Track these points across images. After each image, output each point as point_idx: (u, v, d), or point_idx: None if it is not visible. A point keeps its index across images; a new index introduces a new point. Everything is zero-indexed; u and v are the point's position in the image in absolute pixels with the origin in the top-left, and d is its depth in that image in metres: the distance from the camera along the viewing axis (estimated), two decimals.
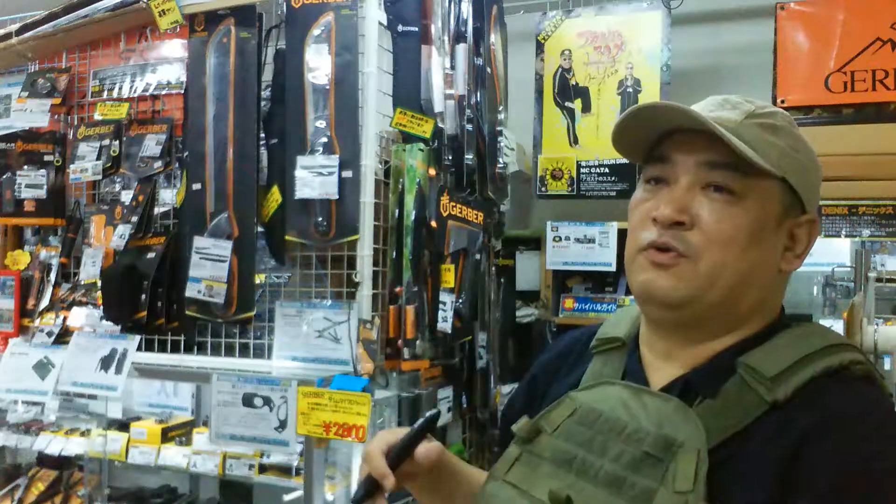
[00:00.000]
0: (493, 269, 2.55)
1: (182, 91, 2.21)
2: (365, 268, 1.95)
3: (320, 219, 1.96)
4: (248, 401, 1.93)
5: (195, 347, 2.16)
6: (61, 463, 2.69)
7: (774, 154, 0.87)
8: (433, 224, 2.07)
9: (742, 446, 0.81)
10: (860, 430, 0.78)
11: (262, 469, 2.31)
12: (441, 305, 2.08)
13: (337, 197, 1.94)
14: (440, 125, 2.13)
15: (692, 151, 0.89)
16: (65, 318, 2.30)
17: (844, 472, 0.76)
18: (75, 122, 2.42)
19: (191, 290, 2.05)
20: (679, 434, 0.82)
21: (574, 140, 2.81)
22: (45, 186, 2.39)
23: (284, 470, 2.28)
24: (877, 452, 0.77)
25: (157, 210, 2.25)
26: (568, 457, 0.88)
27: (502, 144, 2.45)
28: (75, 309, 2.29)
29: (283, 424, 1.89)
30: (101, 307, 2.18)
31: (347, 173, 1.94)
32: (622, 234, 2.62)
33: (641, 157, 0.96)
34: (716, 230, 0.86)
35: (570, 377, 1.03)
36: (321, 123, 1.98)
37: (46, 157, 2.40)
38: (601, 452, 0.86)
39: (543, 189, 2.83)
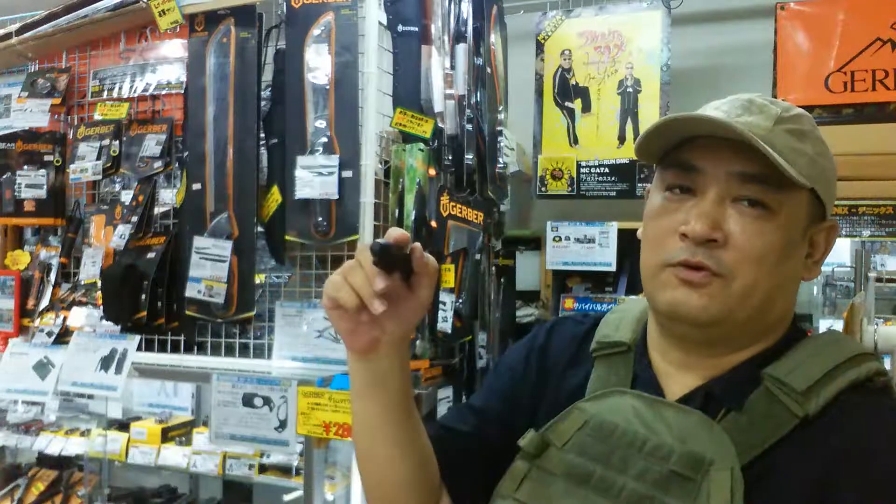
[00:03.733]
0: (493, 269, 2.55)
1: (182, 91, 2.21)
2: None
3: (320, 219, 1.96)
4: (248, 401, 1.93)
5: (195, 347, 2.16)
6: (61, 463, 2.69)
7: (804, 163, 0.83)
8: (433, 224, 2.07)
9: (774, 466, 0.78)
10: (891, 461, 0.75)
11: (262, 469, 2.31)
12: (441, 305, 2.08)
13: (337, 197, 1.94)
14: (440, 125, 2.13)
15: (722, 161, 0.83)
16: (65, 318, 2.30)
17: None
18: (75, 122, 2.42)
19: (191, 290, 2.05)
20: (707, 451, 0.78)
21: (574, 140, 2.80)
22: (45, 186, 2.39)
23: (284, 470, 2.29)
24: None
25: (157, 210, 2.25)
26: (584, 473, 0.84)
27: (502, 144, 2.45)
28: (75, 309, 2.29)
29: (283, 424, 1.89)
30: (101, 307, 2.18)
31: (347, 173, 1.94)
32: (622, 234, 2.62)
33: (656, 159, 0.91)
34: (749, 248, 0.81)
35: (569, 381, 0.98)
36: (321, 123, 1.98)
37: (46, 157, 2.40)
38: (621, 469, 0.82)
39: (543, 189, 2.83)
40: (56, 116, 2.43)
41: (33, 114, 2.37)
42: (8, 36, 2.42)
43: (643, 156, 0.91)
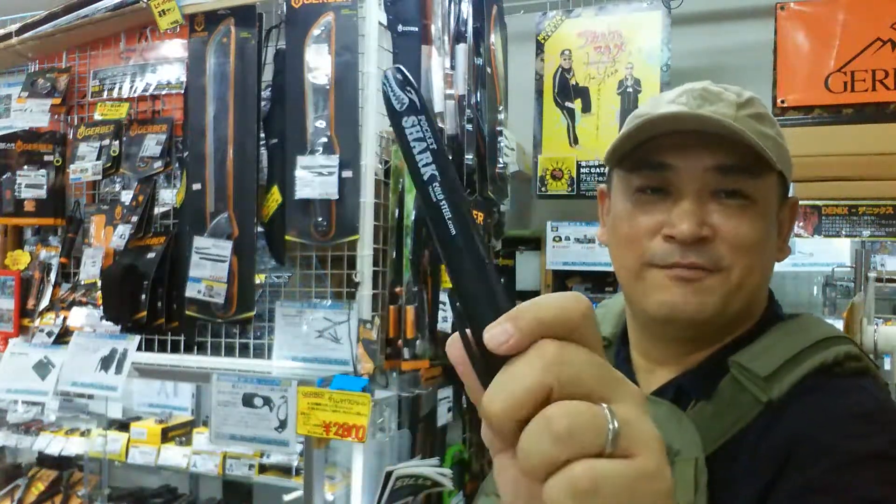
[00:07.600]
0: None
1: (182, 91, 2.21)
2: (365, 268, 1.95)
3: (320, 219, 1.96)
4: (248, 401, 1.93)
5: (195, 347, 2.16)
6: (61, 463, 2.69)
7: (772, 146, 0.82)
8: None
9: (739, 451, 0.78)
10: (847, 423, 0.75)
11: (262, 469, 2.31)
12: (441, 305, 2.08)
13: (337, 197, 1.93)
14: (440, 125, 2.13)
15: (695, 156, 0.81)
16: (65, 318, 2.30)
17: (831, 462, 0.73)
18: (75, 122, 2.42)
19: (191, 290, 2.05)
20: (674, 441, 0.79)
21: (574, 140, 2.80)
22: (45, 186, 2.39)
23: (284, 470, 2.29)
24: (864, 435, 0.73)
25: (157, 210, 2.25)
26: None
27: (502, 144, 2.45)
28: (75, 309, 2.29)
29: (283, 424, 1.89)
30: (101, 307, 2.18)
31: (347, 173, 1.94)
32: None
33: (617, 162, 0.87)
34: (739, 239, 0.81)
35: None
36: (321, 123, 1.98)
37: (46, 157, 2.40)
38: None
39: (543, 189, 2.83)
40: (56, 116, 2.43)
41: (33, 114, 2.37)
42: (8, 36, 2.42)
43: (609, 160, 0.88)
